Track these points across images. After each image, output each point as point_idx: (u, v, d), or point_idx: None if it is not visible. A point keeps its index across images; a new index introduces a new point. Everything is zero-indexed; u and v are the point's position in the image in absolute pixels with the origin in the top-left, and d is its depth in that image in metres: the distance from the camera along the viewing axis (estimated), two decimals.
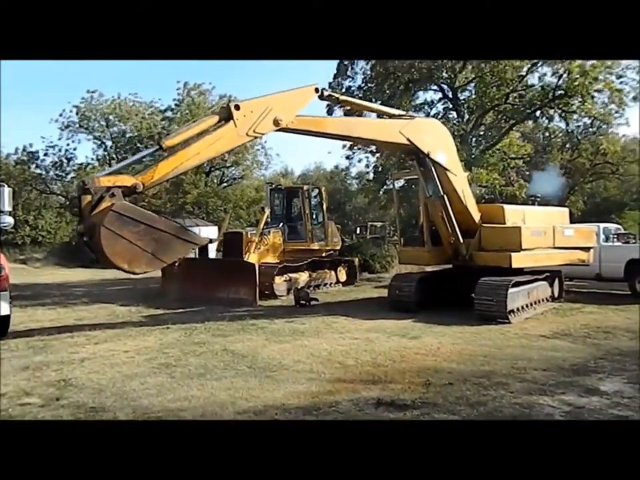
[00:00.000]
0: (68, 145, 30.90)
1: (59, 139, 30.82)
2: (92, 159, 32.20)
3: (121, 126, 31.42)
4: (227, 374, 5.85)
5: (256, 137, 7.99)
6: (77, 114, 30.54)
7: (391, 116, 9.91)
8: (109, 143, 32.06)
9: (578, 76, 15.45)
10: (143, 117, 30.71)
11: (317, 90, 8.53)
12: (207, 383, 5.50)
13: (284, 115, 7.77)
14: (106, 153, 32.25)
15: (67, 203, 31.51)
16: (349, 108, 12.48)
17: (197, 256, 21.60)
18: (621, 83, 16.22)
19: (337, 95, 9.99)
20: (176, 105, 30.29)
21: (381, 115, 10.04)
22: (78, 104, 30.47)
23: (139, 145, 30.50)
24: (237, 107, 7.32)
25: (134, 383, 5.50)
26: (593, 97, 16.30)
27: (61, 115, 30.66)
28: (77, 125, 30.91)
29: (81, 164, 31.31)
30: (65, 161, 31.04)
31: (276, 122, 7.70)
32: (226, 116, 7.33)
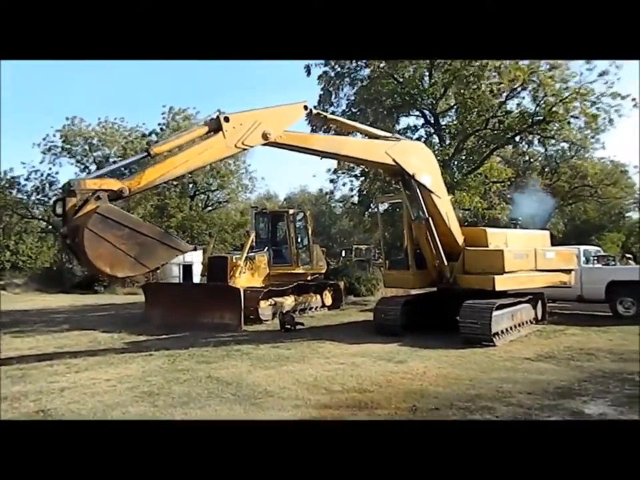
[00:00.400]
0: (50, 169, 30.74)
1: (41, 163, 30.68)
2: None
3: (104, 150, 31.35)
4: (211, 402, 5.75)
5: (244, 149, 8.06)
6: (60, 138, 30.46)
7: (378, 137, 10.07)
8: (93, 167, 31.89)
9: (555, 102, 15.94)
10: (127, 142, 30.70)
11: (305, 107, 8.71)
12: (191, 411, 5.38)
13: (273, 130, 7.87)
14: None
15: (49, 227, 31.13)
16: (335, 127, 12.67)
17: (181, 280, 21.43)
18: (597, 109, 16.77)
19: (325, 114, 10.18)
20: (161, 129, 30.38)
21: (367, 135, 10.18)
22: (61, 128, 30.44)
23: (122, 169, 30.31)
24: (227, 119, 7.40)
25: (115, 412, 5.37)
26: (569, 123, 16.79)
27: (44, 139, 30.59)
28: (60, 149, 30.79)
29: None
30: (47, 185, 30.79)
31: (265, 136, 7.79)
32: (215, 127, 7.41)
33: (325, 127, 15.09)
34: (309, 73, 17.73)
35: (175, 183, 29.62)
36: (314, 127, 15.48)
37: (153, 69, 62.65)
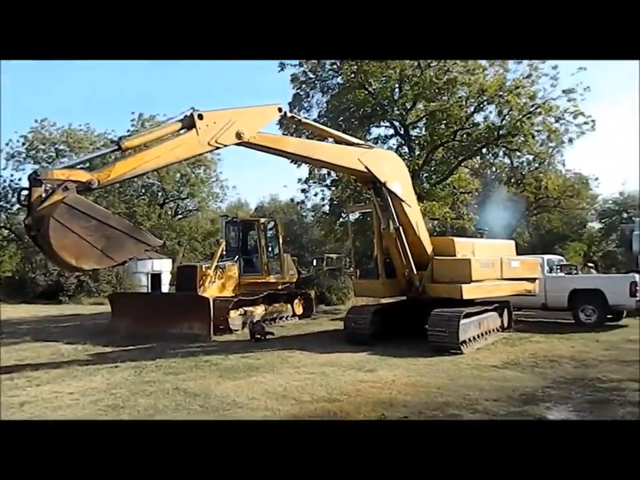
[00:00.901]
0: (12, 175, 29.90)
1: (4, 169, 29.81)
2: None
3: (71, 156, 30.62)
4: (177, 414, 5.65)
5: (217, 148, 7.98)
6: (23, 144, 29.64)
7: (351, 144, 10.16)
8: None
9: (519, 117, 16.47)
10: (95, 148, 30.09)
11: (280, 109, 8.70)
12: None
13: (246, 129, 7.86)
14: None
15: (11, 235, 30.17)
16: (308, 132, 12.71)
17: (149, 290, 21.06)
18: (561, 125, 17.43)
19: (299, 117, 10.21)
20: (129, 136, 29.92)
21: (340, 141, 10.27)
22: (26, 133, 29.64)
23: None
24: (200, 117, 7.35)
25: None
26: (533, 136, 17.35)
27: (7, 145, 29.72)
28: (24, 155, 29.96)
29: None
30: (10, 191, 29.85)
31: (238, 135, 7.77)
32: (189, 124, 7.34)
33: (298, 132, 15.25)
34: (282, 69, 17.83)
35: (143, 190, 29.25)
36: (285, 133, 15.60)
37: (120, 73, 61.61)
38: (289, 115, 9.38)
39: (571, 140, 17.69)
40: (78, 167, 6.90)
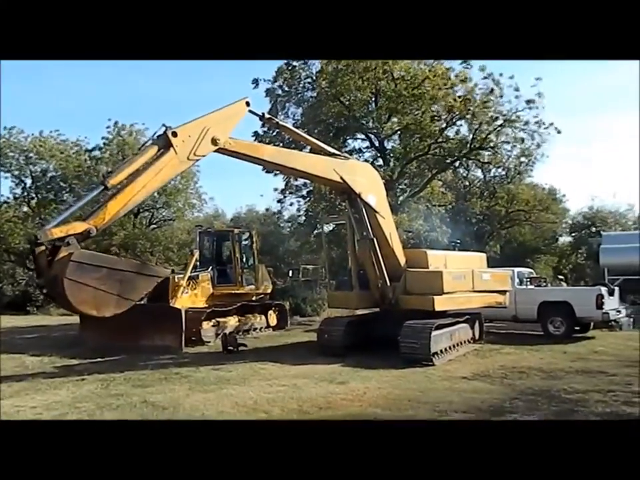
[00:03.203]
0: None
1: None
2: (8, 198, 30.36)
3: (42, 164, 29.97)
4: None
5: (197, 160, 7.97)
6: None
7: (327, 152, 10.22)
8: (29, 182, 30.39)
9: (489, 130, 16.95)
10: (68, 156, 29.52)
11: (247, 103, 8.69)
12: None
13: (220, 133, 7.86)
14: (25, 193, 30.49)
15: None
16: (286, 136, 12.68)
17: None
18: (525, 134, 18.05)
19: (276, 120, 10.26)
20: (104, 144, 29.44)
21: (316, 149, 10.34)
22: None
23: (62, 184, 29.19)
24: (175, 134, 7.33)
25: None
26: (502, 149, 17.94)
27: None
28: None
29: None
30: None
31: (214, 141, 7.78)
32: (164, 144, 7.31)
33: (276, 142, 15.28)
34: (256, 85, 17.91)
35: None
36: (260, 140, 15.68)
37: (91, 80, 60.59)
38: (267, 116, 9.55)
39: (539, 145, 18.28)
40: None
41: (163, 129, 7.43)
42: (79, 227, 6.40)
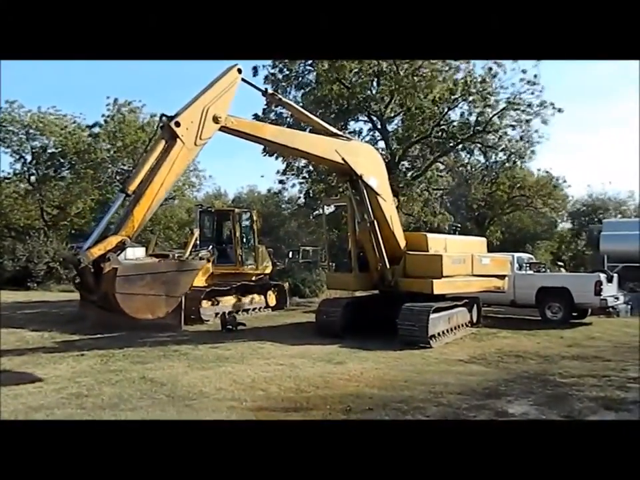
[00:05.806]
0: None
1: None
2: (8, 173, 30.27)
3: (42, 140, 29.78)
4: (142, 403, 5.60)
5: (205, 143, 7.90)
6: None
7: (330, 133, 10.14)
8: (29, 157, 30.25)
9: (492, 114, 16.78)
10: (67, 132, 29.31)
11: (239, 70, 8.26)
12: (120, 413, 5.23)
13: (220, 109, 7.75)
14: (25, 168, 30.37)
15: None
16: (290, 113, 12.50)
17: None
18: (529, 115, 17.83)
19: (279, 96, 10.17)
20: (105, 121, 29.20)
21: (319, 128, 10.24)
22: None
23: (61, 160, 29.07)
24: (177, 124, 7.24)
25: (39, 415, 5.12)
26: (506, 133, 17.72)
27: None
28: None
29: None
30: None
31: (215, 119, 7.69)
32: (170, 136, 7.25)
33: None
34: (255, 73, 17.62)
35: (117, 177, 28.67)
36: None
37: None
38: (269, 91, 9.54)
39: (545, 121, 17.97)
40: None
41: (163, 118, 7.36)
42: (114, 240, 6.60)
